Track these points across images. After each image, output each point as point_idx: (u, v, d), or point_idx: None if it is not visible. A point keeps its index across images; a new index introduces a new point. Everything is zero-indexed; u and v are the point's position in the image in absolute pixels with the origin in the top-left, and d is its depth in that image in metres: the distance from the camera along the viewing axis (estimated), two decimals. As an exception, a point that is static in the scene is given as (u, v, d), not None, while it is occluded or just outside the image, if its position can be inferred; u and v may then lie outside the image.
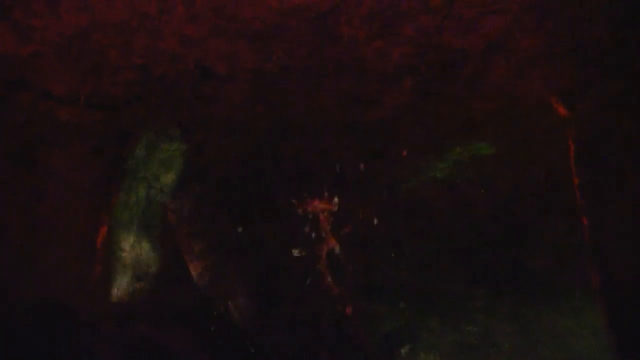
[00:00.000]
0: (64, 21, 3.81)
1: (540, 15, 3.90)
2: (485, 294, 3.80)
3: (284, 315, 3.94)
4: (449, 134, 3.91)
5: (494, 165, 3.88)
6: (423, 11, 3.87)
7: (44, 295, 4.09)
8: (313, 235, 3.95)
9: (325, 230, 3.89)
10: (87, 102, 4.18)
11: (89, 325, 4.08)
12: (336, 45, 3.95)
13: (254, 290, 3.99)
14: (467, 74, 3.91)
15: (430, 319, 3.84)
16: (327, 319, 3.90)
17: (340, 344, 3.91)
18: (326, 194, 3.96)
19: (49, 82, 4.20)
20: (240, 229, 3.98)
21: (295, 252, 3.95)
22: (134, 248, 4.13)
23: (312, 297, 3.93)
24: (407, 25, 3.92)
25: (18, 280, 4.10)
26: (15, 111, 4.25)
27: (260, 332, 3.94)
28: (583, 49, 3.87)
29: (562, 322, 3.80)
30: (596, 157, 3.80)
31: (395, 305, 3.83)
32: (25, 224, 4.17)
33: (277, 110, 4.01)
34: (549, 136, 3.86)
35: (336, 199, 3.88)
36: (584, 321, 3.77)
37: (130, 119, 4.20)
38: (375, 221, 3.88)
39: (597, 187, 3.80)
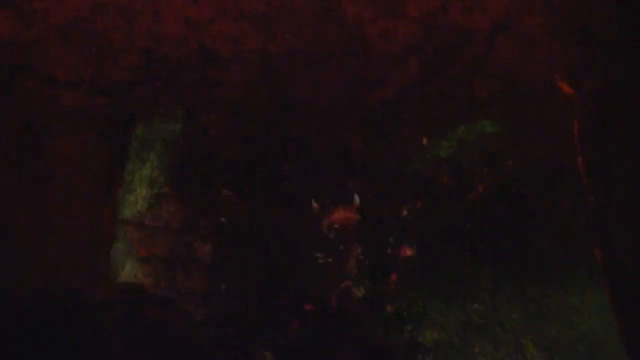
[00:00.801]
0: (66, 5, 3.80)
1: (546, -7, 3.88)
2: (490, 273, 3.83)
3: (291, 297, 3.98)
4: (454, 114, 3.92)
5: (498, 145, 3.89)
6: (427, -10, 3.86)
7: (52, 280, 4.13)
8: (319, 216, 3.98)
9: (331, 211, 3.92)
10: (91, 87, 4.18)
11: (98, 309, 4.12)
12: (341, 25, 3.95)
13: (261, 272, 4.03)
14: (472, 54, 3.91)
15: (435, 298, 3.87)
16: (333, 300, 3.94)
17: (347, 326, 3.95)
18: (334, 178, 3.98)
19: (52, 67, 4.20)
20: (246, 211, 4.00)
21: (302, 233, 3.98)
22: (138, 228, 4.16)
23: (319, 278, 3.97)
24: (411, 4, 3.91)
25: (26, 265, 4.13)
26: (18, 96, 4.26)
27: (267, 315, 3.98)
28: (588, 27, 3.86)
29: (566, 300, 3.84)
30: (601, 136, 3.80)
31: (400, 285, 3.87)
32: (31, 210, 4.19)
33: (282, 91, 4.02)
34: (553, 115, 3.87)
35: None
36: (589, 300, 3.81)
37: (134, 103, 4.20)
38: (381, 201, 3.90)
39: (601, 166, 3.81)
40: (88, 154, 4.28)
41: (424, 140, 3.86)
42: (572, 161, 3.88)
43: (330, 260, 3.93)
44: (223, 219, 4.07)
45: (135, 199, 4.22)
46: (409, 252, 3.84)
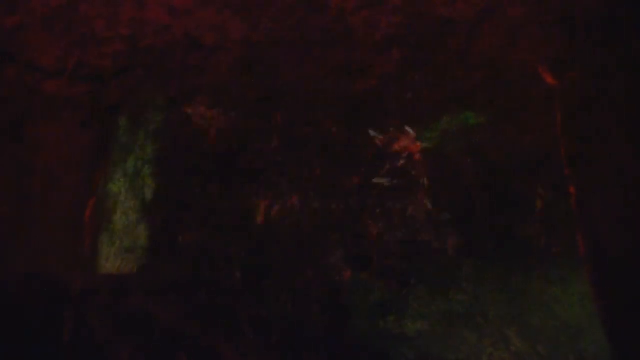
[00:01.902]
0: (49, -9, 3.80)
1: (530, -18, 3.90)
2: (473, 262, 3.85)
3: (274, 286, 3.99)
4: (438, 104, 3.94)
5: (482, 134, 3.92)
6: (411, -21, 3.88)
7: (34, 268, 4.12)
8: (301, 205, 3.99)
9: (314, 200, 3.93)
10: (74, 75, 4.18)
11: (80, 298, 4.12)
12: (324, 14, 3.96)
13: (243, 261, 4.03)
14: (455, 43, 3.93)
15: (419, 288, 3.89)
16: (317, 289, 3.95)
17: (330, 314, 3.97)
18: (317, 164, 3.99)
19: (34, 55, 4.19)
20: (229, 201, 4.01)
21: (284, 222, 3.99)
22: (122, 219, 4.16)
23: (302, 267, 3.98)
24: (395, -7, 3.92)
25: (8, 254, 4.13)
26: (0, 84, 4.24)
27: (251, 302, 3.99)
28: (571, 18, 3.89)
29: (549, 290, 3.87)
30: (583, 126, 3.83)
31: (383, 274, 3.88)
32: (15, 198, 4.19)
33: (265, 80, 4.03)
34: (536, 105, 3.90)
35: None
36: (571, 289, 3.84)
37: (118, 91, 4.21)
38: (364, 191, 3.92)
39: (583, 157, 3.84)
40: (71, 143, 4.29)
41: (408, 130, 3.87)
42: (555, 151, 3.91)
43: (311, 249, 3.94)
44: (207, 208, 4.07)
45: (119, 189, 4.22)
46: (392, 241, 3.85)
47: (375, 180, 3.84)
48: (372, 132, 3.72)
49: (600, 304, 3.72)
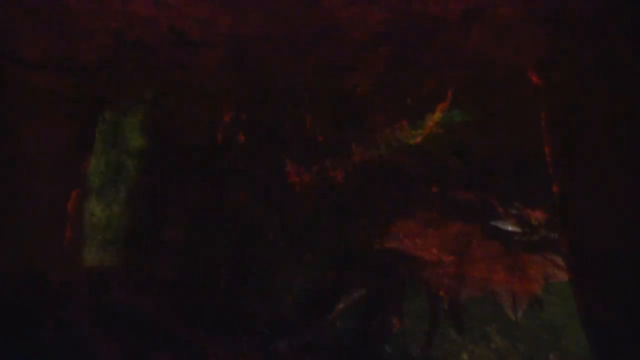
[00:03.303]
0: (34, -17, 3.78)
1: (518, -18, 3.93)
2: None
3: (258, 283, 4.02)
4: (424, 102, 3.97)
5: (467, 133, 3.95)
6: (400, -23, 3.89)
7: (16, 262, 4.11)
8: (287, 203, 4.01)
9: (299, 198, 3.96)
10: (60, 67, 4.16)
11: (61, 292, 4.13)
12: (313, 11, 3.97)
13: (228, 257, 4.06)
14: (444, 42, 3.96)
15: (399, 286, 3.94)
16: (300, 286, 3.98)
17: (314, 311, 4.01)
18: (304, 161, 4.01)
19: (20, 46, 4.16)
20: (214, 196, 4.03)
21: (269, 220, 4.02)
22: (104, 212, 4.16)
23: (286, 264, 4.01)
24: (384, -9, 3.93)
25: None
26: (-16, 76, 4.22)
27: (236, 298, 4.02)
28: (558, 18, 3.93)
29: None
30: (567, 126, 3.88)
31: (366, 272, 3.93)
32: (-3, 191, 4.17)
33: (252, 76, 4.04)
34: (522, 105, 3.94)
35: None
36: (552, 288, 3.90)
37: (103, 84, 4.20)
38: (349, 188, 3.95)
39: (567, 157, 3.89)
40: (55, 135, 4.27)
41: (399, 127, 3.90)
42: (539, 151, 3.96)
43: (296, 247, 3.98)
44: (191, 205, 4.09)
45: (103, 182, 4.22)
46: (377, 238, 3.90)
47: None
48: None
49: (580, 303, 3.79)
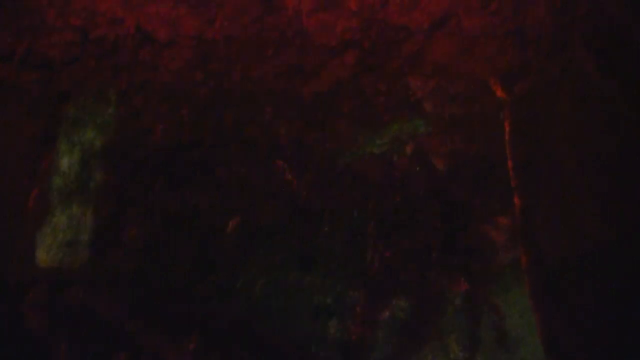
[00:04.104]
0: (-1, -23, 3.77)
1: (484, -5, 3.99)
2: (416, 268, 3.90)
3: (219, 284, 4.00)
4: (388, 110, 4.00)
5: (431, 143, 3.97)
6: (368, -15, 3.93)
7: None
8: (250, 205, 4.00)
9: (260, 200, 3.95)
10: (23, 61, 4.14)
11: (17, 292, 4.06)
12: (280, 15, 4.00)
13: (189, 259, 4.03)
14: (409, 51, 4.00)
15: (361, 293, 3.93)
16: (261, 288, 3.96)
17: (274, 313, 3.99)
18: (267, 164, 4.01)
19: (-18, 39, 4.14)
20: (176, 197, 4.00)
21: (232, 222, 4.00)
22: (65, 212, 4.11)
23: (247, 266, 3.99)
24: (352, -2, 3.98)
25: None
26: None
27: (195, 301, 3.99)
28: (524, 31, 3.99)
29: (490, 300, 3.93)
30: (530, 138, 3.93)
31: (328, 277, 3.91)
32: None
33: (217, 78, 4.05)
34: (486, 117, 3.98)
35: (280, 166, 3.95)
36: (512, 301, 3.91)
37: (67, 81, 4.18)
38: (312, 193, 3.95)
39: (529, 170, 3.93)
40: (17, 132, 4.23)
41: (357, 135, 3.92)
42: (502, 163, 3.99)
43: (258, 249, 3.96)
44: (153, 205, 4.06)
45: (64, 181, 4.17)
46: (338, 243, 3.89)
47: None
48: None
49: (538, 316, 3.81)
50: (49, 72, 4.12)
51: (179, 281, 4.04)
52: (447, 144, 3.96)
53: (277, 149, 3.97)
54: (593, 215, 3.68)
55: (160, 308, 4.05)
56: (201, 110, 4.04)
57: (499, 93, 3.99)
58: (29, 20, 4.06)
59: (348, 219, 3.97)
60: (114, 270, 4.10)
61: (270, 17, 3.92)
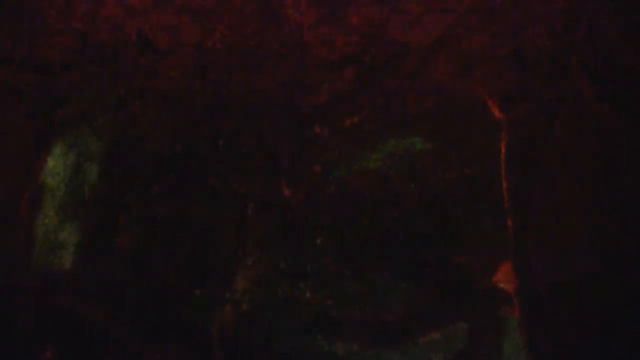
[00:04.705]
0: (0, -22, 3.79)
1: (485, 16, 4.01)
2: (408, 285, 3.90)
3: (209, 294, 3.99)
4: (385, 126, 4.01)
5: (427, 161, 3.98)
6: (370, 1, 3.95)
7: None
8: (242, 215, 4.00)
9: (253, 211, 3.95)
10: (23, 64, 4.14)
11: (6, 295, 4.05)
12: (281, 27, 4.01)
13: (180, 267, 4.02)
14: (408, 68, 4.02)
15: (351, 308, 3.92)
16: (250, 300, 3.96)
17: (262, 326, 3.98)
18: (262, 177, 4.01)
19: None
20: (169, 205, 4.00)
21: (224, 232, 3.99)
22: (58, 215, 4.10)
23: (237, 277, 3.98)
24: (353, 13, 4.00)
25: None
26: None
27: (183, 308, 3.98)
28: (522, 53, 4.01)
29: (481, 320, 3.93)
30: (525, 161, 3.93)
31: (317, 292, 3.91)
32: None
33: (216, 87, 4.05)
34: (482, 137, 3.99)
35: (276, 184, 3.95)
36: (502, 320, 3.91)
37: (66, 85, 4.19)
38: (305, 207, 3.95)
39: (523, 191, 3.94)
40: (14, 133, 4.22)
41: (353, 150, 3.93)
42: (497, 183, 3.99)
43: (248, 261, 3.96)
44: (146, 210, 4.05)
45: (58, 184, 4.17)
46: (326, 258, 3.89)
47: None
48: None
49: (525, 338, 3.82)
50: (48, 76, 4.12)
51: (168, 289, 4.03)
52: (444, 162, 3.96)
53: (272, 161, 3.97)
54: (586, 242, 3.69)
55: (148, 315, 4.04)
56: (198, 119, 4.04)
57: (497, 114, 4.01)
58: (30, 23, 4.07)
59: (341, 233, 3.97)
60: (104, 276, 4.08)
61: (272, 29, 3.94)
